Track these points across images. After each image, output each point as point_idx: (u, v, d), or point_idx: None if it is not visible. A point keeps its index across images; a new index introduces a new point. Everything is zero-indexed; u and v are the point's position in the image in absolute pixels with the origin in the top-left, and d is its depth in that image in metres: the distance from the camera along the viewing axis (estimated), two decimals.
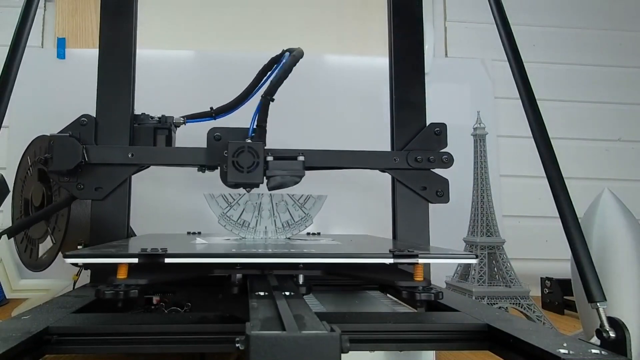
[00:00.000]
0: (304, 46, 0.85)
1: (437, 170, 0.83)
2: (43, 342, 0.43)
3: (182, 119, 0.88)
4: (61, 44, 1.42)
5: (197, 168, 0.83)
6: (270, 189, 0.76)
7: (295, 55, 0.78)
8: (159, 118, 0.85)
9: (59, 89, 1.37)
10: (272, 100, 0.77)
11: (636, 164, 1.60)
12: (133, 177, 0.80)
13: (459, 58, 1.58)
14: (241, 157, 0.74)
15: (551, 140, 0.55)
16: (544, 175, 0.54)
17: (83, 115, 0.78)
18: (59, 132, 0.75)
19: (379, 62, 1.41)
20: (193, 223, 1.29)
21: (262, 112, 0.77)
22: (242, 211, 0.76)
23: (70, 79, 1.37)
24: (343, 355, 0.32)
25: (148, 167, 0.82)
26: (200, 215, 1.30)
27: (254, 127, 0.76)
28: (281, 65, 0.78)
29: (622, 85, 1.63)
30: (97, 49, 0.81)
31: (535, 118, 0.56)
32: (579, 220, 0.51)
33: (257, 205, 0.77)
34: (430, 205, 0.82)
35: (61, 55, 1.42)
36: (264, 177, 0.75)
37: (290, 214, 0.77)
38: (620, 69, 1.64)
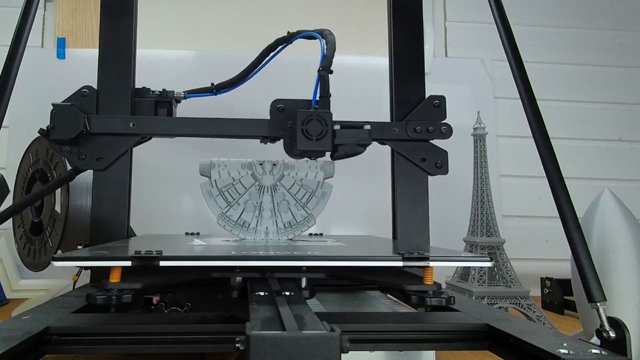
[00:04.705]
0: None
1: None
2: (43, 342, 0.43)
3: (182, 93, 0.88)
4: (61, 44, 1.42)
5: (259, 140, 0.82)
6: (336, 157, 0.77)
7: (332, 34, 0.80)
8: (160, 92, 0.85)
9: (59, 89, 1.36)
10: (331, 72, 0.78)
11: (636, 164, 1.60)
12: (137, 176, 0.80)
13: (459, 58, 1.59)
14: (310, 126, 0.75)
15: (551, 140, 0.55)
16: (544, 175, 0.54)
17: (84, 87, 0.78)
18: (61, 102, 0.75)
19: (379, 62, 1.41)
20: (195, 222, 1.29)
21: (322, 83, 0.77)
22: (242, 211, 0.75)
23: (70, 79, 1.36)
24: (343, 355, 0.32)
25: (150, 139, 0.82)
26: (201, 214, 1.30)
27: (317, 99, 0.77)
28: (331, 42, 0.79)
29: (622, 85, 1.63)
30: (97, 49, 0.81)
31: (535, 118, 0.56)
32: (579, 220, 0.51)
33: (258, 205, 0.75)
34: (430, 204, 0.82)
35: (61, 55, 1.42)
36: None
37: (292, 214, 0.76)
38: (620, 69, 1.64)
